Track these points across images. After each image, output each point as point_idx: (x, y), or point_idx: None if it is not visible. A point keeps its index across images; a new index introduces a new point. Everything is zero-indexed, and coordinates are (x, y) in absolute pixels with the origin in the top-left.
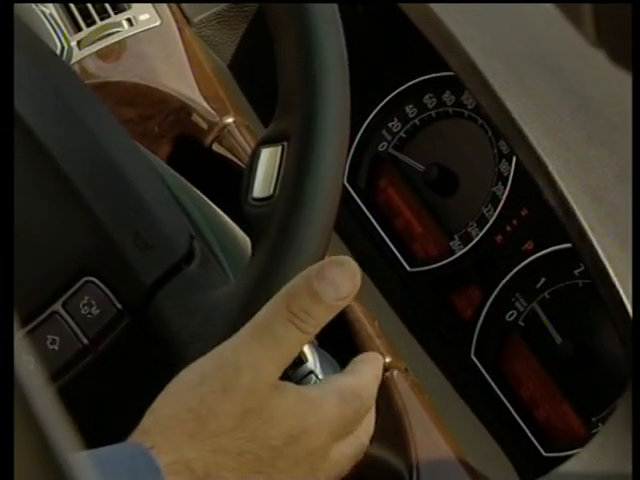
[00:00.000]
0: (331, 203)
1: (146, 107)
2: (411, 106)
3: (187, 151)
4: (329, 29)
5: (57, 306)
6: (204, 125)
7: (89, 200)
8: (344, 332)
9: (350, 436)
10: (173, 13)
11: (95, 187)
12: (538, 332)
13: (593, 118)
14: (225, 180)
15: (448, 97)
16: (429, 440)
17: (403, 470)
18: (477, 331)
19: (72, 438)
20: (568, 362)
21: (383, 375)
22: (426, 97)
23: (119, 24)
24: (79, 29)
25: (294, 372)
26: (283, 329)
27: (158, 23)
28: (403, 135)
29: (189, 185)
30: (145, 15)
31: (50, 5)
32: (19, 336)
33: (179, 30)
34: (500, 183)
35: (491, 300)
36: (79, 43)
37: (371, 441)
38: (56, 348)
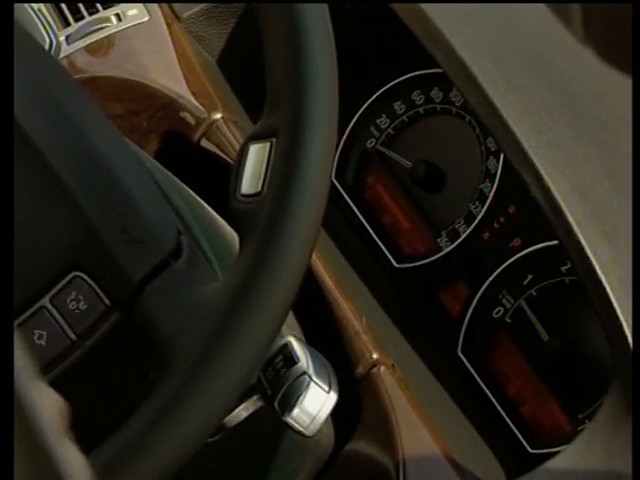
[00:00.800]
0: (319, 199)
1: (134, 102)
2: (399, 103)
3: (175, 147)
4: (318, 26)
5: (45, 301)
6: (192, 121)
7: (76, 195)
8: (331, 329)
9: None
10: (162, 9)
11: (82, 182)
12: (525, 329)
13: (581, 116)
14: (213, 176)
15: (436, 94)
16: (416, 436)
17: (389, 466)
18: (464, 328)
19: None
20: (554, 359)
21: (370, 371)
22: (414, 94)
23: (107, 19)
24: (68, 24)
25: (287, 372)
26: None
27: (146, 18)
28: (391, 132)
29: (177, 181)
30: (133, 10)
31: None
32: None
33: (167, 26)
34: (487, 180)
35: (478, 297)
36: (68, 38)
37: (358, 437)
38: (43, 343)
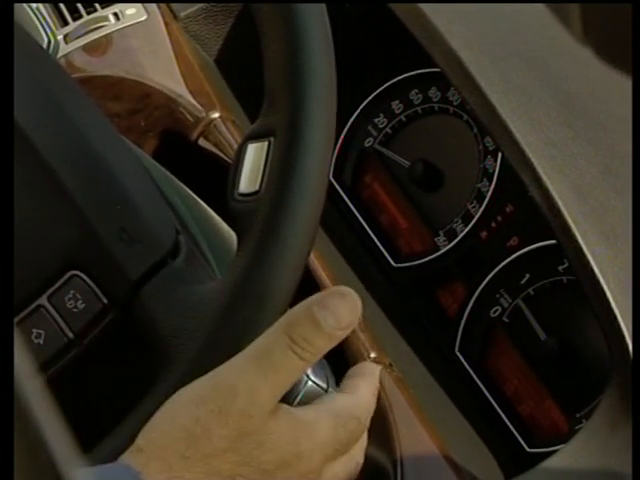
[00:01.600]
0: (317, 199)
1: (132, 101)
2: (397, 102)
3: (173, 146)
4: (316, 25)
5: (43, 300)
6: (190, 120)
7: (74, 194)
8: None
9: (344, 456)
10: (159, 8)
11: (80, 181)
12: (522, 328)
13: (579, 115)
14: (211, 175)
15: (434, 93)
16: (413, 435)
17: (387, 465)
18: (461, 327)
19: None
20: (552, 358)
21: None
22: (412, 93)
23: (105, 18)
24: (66, 23)
25: None
26: (282, 355)
27: (144, 17)
28: (389, 131)
29: (175, 180)
30: (131, 9)
31: None
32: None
33: (165, 25)
34: (485, 179)
35: (476, 296)
36: (66, 37)
37: None
38: (41, 342)
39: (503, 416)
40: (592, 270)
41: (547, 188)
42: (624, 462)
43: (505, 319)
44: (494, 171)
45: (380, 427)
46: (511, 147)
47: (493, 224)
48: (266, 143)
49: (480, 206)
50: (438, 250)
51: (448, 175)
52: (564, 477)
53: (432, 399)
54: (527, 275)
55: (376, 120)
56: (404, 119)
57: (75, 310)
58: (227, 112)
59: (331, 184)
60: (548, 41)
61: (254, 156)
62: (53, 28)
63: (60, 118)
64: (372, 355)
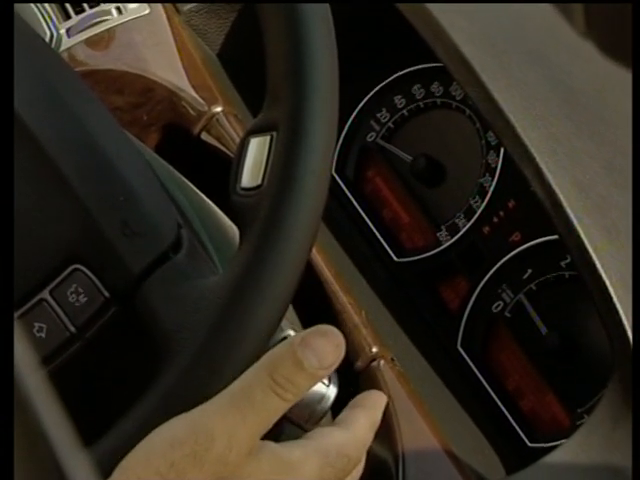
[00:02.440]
0: (319, 193)
1: (135, 95)
2: (399, 97)
3: (175, 140)
4: (319, 19)
5: (45, 294)
6: (193, 114)
7: (76, 188)
8: (331, 322)
9: None
10: (162, 2)
11: (82, 175)
12: (524, 323)
13: (581, 110)
14: (213, 169)
15: (436, 88)
16: (415, 430)
17: (389, 459)
18: (463, 322)
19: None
20: (554, 353)
21: (369, 364)
22: (414, 88)
23: (108, 12)
24: (68, 17)
25: None
26: (263, 396)
27: (147, 11)
28: (391, 126)
29: (177, 174)
30: (134, 4)
31: None
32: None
33: (168, 19)
34: (488, 174)
35: (478, 291)
36: (68, 31)
37: None
38: (43, 336)
39: (505, 411)
40: (594, 265)
41: (549, 183)
42: (626, 457)
43: (507, 314)
44: (496, 166)
45: (382, 421)
46: (513, 142)
47: (495, 219)
48: (268, 137)
49: (482, 201)
50: (440, 245)
51: (450, 170)
52: (565, 472)
53: (434, 394)
54: (529, 270)
55: (378, 115)
56: (406, 114)
57: (77, 304)
58: (229, 106)
59: (333, 179)
60: (551, 36)
61: (256, 150)
62: (56, 22)
63: (62, 111)
64: (374, 350)
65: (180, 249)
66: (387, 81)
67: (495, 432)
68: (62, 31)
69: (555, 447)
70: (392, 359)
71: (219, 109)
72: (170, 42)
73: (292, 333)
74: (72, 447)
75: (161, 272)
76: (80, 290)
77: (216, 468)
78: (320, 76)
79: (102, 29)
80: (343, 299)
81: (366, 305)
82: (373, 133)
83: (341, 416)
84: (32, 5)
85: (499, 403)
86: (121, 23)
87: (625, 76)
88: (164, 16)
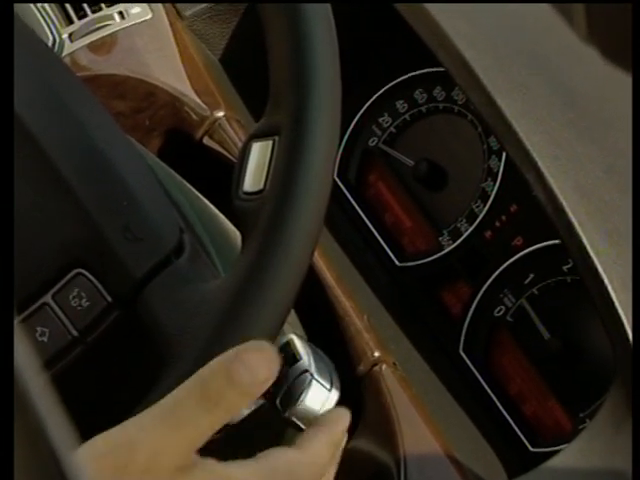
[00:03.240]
0: (321, 197)
1: (137, 100)
2: (401, 101)
3: (178, 144)
4: (321, 25)
5: (47, 298)
6: (195, 119)
7: (79, 192)
8: (333, 327)
9: None
10: (164, 7)
11: (85, 179)
12: (526, 328)
13: (582, 114)
14: (216, 174)
15: (438, 93)
16: (416, 434)
17: (390, 464)
18: (465, 326)
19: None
20: (556, 358)
21: (371, 369)
22: (416, 92)
23: (110, 17)
24: (71, 22)
25: (289, 370)
26: (191, 411)
27: (149, 16)
28: (393, 130)
29: (180, 178)
30: (136, 8)
31: None
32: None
33: (170, 24)
34: (489, 179)
35: (480, 295)
36: (71, 36)
37: (359, 435)
38: (45, 340)
39: (507, 415)
40: (596, 269)
41: (551, 188)
42: (628, 462)
43: (509, 319)
44: (498, 170)
45: (384, 426)
46: (515, 146)
47: (497, 223)
48: (271, 142)
49: (484, 205)
50: (442, 249)
51: (452, 174)
52: (568, 477)
53: (436, 398)
54: (531, 275)
55: (380, 119)
56: (408, 118)
57: (79, 308)
58: (232, 111)
59: (335, 183)
60: (553, 40)
61: (259, 155)
62: (58, 26)
63: (64, 116)
64: (376, 354)
65: (182, 253)
66: (389, 86)
67: (497, 437)
68: (64, 36)
69: (557, 452)
70: (394, 364)
71: (221, 114)
72: (172, 47)
73: (294, 337)
74: (72, 445)
75: (163, 276)
76: (82, 294)
77: None
78: (322, 81)
79: (104, 34)
80: (345, 303)
81: (368, 309)
82: (375, 138)
83: (299, 437)
84: (35, 10)
85: (501, 408)
86: (123, 28)
87: (626, 80)
88: (166, 21)
